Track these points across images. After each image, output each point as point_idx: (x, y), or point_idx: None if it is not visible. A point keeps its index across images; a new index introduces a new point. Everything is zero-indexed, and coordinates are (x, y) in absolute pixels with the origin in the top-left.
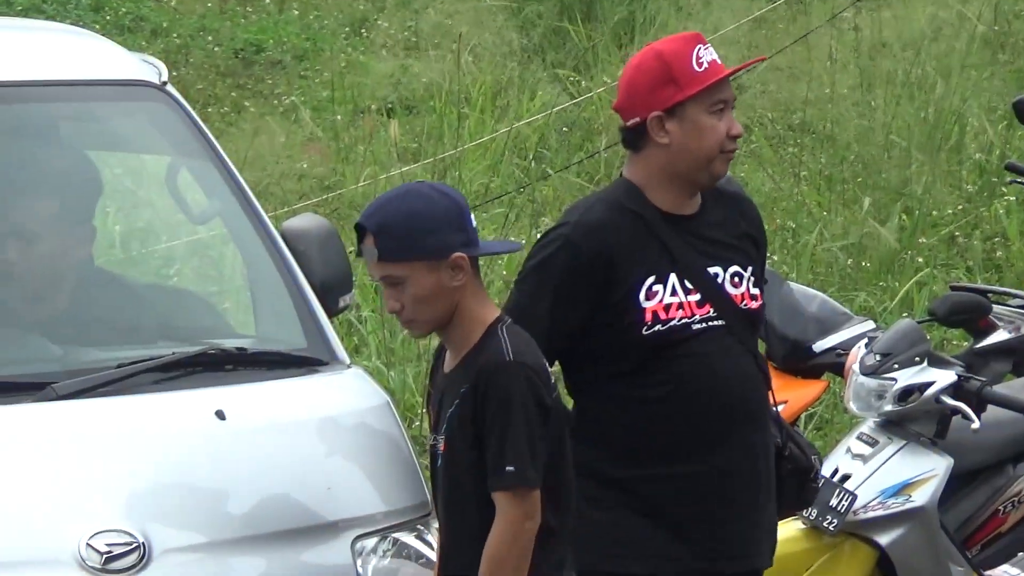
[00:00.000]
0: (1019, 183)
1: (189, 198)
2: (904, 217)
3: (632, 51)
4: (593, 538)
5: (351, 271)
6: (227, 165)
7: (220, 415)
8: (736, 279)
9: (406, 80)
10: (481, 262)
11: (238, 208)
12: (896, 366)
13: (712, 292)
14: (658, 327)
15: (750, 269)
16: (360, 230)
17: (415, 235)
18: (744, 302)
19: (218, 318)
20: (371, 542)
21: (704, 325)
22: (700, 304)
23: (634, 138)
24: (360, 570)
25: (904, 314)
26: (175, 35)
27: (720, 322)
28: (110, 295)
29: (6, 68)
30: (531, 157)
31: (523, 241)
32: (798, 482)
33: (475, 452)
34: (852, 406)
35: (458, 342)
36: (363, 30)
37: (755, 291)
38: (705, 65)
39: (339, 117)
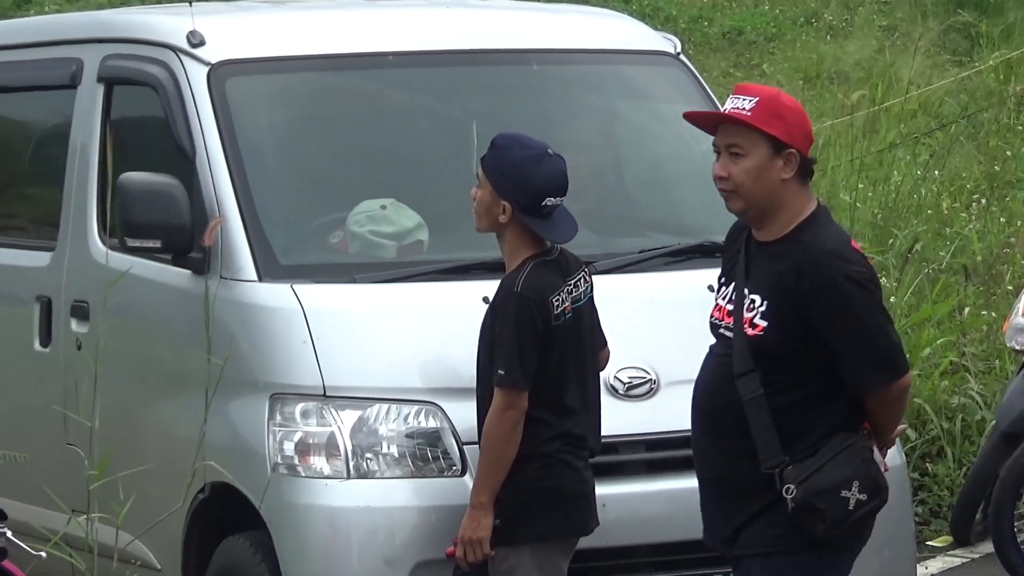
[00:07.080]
0: None
1: (692, 132)
2: None
3: None
4: None
5: None
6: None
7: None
8: (751, 304)
9: (842, 56)
10: None
11: None
12: None
13: (737, 308)
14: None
15: (767, 303)
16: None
17: (506, 165)
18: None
19: (709, 219)
20: None
21: (722, 331)
22: (728, 314)
23: None
24: None
25: None
26: (681, 21)
27: (728, 334)
28: (633, 199)
29: (563, 39)
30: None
31: None
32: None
33: (490, 359)
34: None
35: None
36: (813, 20)
37: (760, 321)
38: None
39: (801, 83)
